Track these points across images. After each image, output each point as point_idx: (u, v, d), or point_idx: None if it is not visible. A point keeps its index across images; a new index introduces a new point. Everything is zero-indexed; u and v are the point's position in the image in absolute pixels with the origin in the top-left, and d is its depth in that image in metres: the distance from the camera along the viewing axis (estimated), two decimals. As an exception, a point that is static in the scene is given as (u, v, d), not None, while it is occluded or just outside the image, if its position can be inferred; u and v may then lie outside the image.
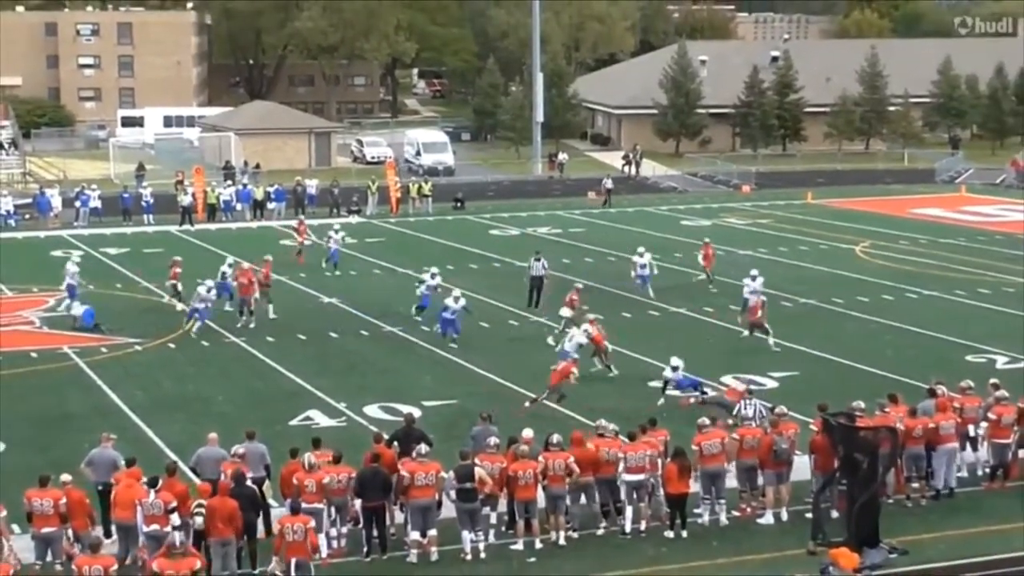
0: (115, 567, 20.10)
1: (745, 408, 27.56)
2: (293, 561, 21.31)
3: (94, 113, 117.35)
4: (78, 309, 42.56)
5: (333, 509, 23.70)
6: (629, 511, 24.67)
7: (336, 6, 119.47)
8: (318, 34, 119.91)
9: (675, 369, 33.09)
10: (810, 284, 48.71)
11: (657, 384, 33.72)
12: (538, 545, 23.91)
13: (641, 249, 48.17)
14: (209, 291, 41.76)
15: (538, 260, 45.65)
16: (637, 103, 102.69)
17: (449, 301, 39.66)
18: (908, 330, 40.96)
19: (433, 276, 43.67)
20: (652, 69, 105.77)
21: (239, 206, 69.08)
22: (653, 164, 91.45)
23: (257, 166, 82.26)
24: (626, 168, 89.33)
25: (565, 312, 39.95)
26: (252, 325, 41.96)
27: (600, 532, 24.63)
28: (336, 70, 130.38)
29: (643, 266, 46.64)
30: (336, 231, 53.50)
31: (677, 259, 54.19)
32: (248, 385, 35.69)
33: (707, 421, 25.81)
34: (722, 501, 25.33)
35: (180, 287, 44.62)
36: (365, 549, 23.70)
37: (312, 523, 21.80)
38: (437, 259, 53.71)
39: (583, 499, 25.01)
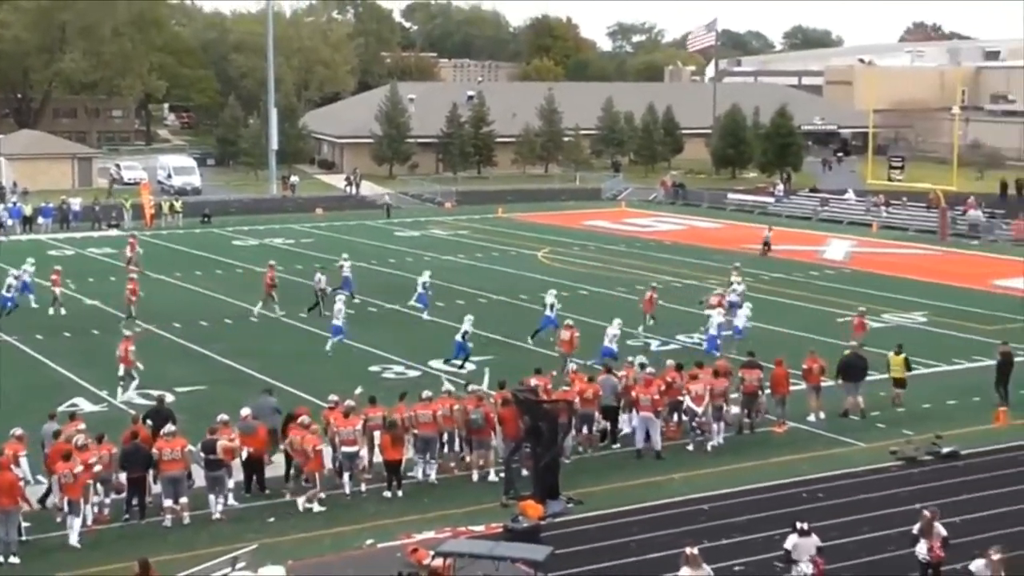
0: None
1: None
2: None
3: None
4: None
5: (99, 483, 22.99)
6: (346, 477, 24.61)
7: (96, 49, 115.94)
8: (80, 73, 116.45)
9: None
10: (502, 283, 49.30)
11: (375, 368, 33.68)
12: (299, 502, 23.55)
13: (345, 255, 48.19)
14: None
15: (323, 272, 44.70)
16: (357, 133, 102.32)
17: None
18: (582, 320, 41.73)
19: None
20: (369, 105, 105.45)
21: (10, 222, 66.55)
22: (371, 184, 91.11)
23: (25, 191, 78.90)
24: (348, 188, 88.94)
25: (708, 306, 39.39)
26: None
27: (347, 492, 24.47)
28: (96, 104, 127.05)
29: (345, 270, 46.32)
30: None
31: (391, 264, 54.24)
32: (20, 377, 34.05)
33: (429, 393, 25.95)
34: (433, 463, 25.39)
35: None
36: (126, 516, 23.01)
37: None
38: (187, 266, 52.60)
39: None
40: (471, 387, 27.59)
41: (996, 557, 17.59)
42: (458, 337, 35.15)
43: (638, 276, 51.40)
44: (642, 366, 28.88)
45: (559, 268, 53.96)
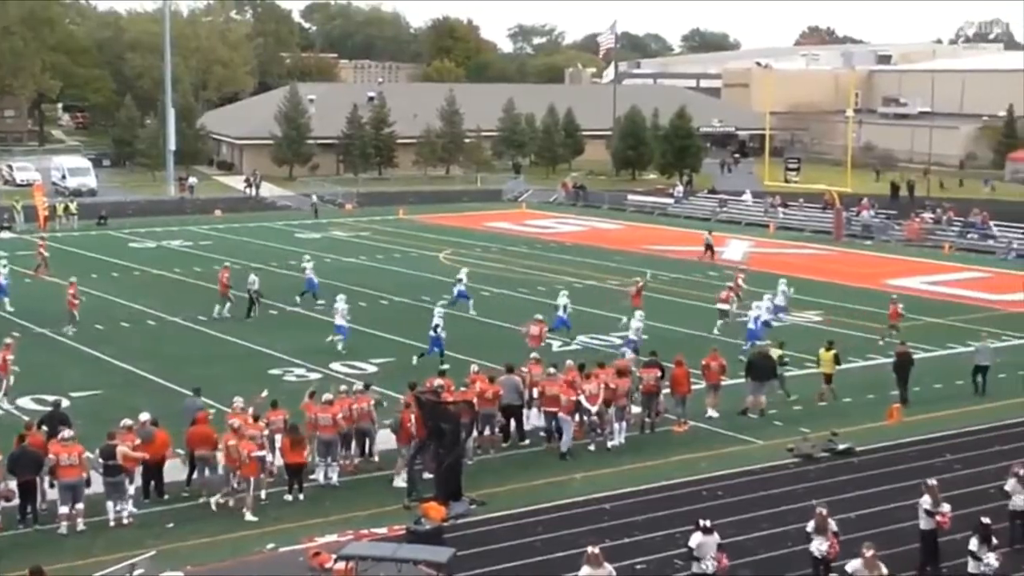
0: None
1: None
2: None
3: None
4: None
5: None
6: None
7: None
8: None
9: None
10: (403, 285, 49.18)
11: (276, 371, 33.47)
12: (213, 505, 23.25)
13: (307, 257, 48.62)
14: None
15: (257, 274, 44.54)
16: (256, 134, 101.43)
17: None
18: (482, 321, 41.85)
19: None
20: (269, 106, 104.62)
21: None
22: (271, 186, 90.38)
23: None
24: (247, 190, 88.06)
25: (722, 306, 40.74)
26: None
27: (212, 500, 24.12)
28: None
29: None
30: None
31: (292, 266, 53.77)
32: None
33: (330, 396, 25.81)
34: (335, 465, 25.30)
35: None
36: (20, 523, 22.55)
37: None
38: (83, 269, 51.64)
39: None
40: (357, 385, 27.54)
41: (869, 554, 18.03)
42: (431, 332, 35.43)
43: (539, 277, 51.66)
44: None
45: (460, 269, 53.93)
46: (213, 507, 23.57)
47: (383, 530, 22.29)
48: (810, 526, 19.56)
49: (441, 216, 75.32)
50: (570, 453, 27.07)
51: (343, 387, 27.52)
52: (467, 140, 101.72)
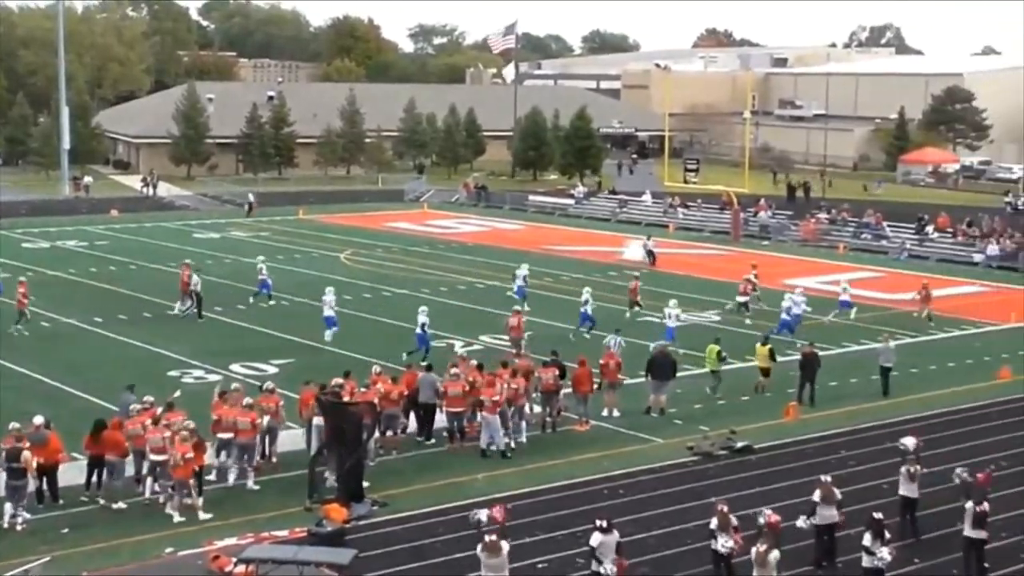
0: None
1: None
2: None
3: None
4: None
5: None
6: (149, 483, 24.05)
7: None
8: None
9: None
10: (304, 286, 48.71)
11: (174, 373, 33.06)
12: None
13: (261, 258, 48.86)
14: None
15: (199, 274, 43.97)
16: (153, 133, 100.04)
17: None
18: (384, 322, 41.69)
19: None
20: (166, 105, 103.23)
21: None
22: (168, 186, 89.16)
23: None
24: (145, 189, 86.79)
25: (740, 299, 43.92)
26: None
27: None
28: None
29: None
30: None
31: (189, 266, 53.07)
32: None
33: (250, 401, 25.57)
34: (250, 470, 25.10)
35: None
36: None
37: None
38: (-27, 270, 50.50)
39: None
40: (267, 385, 27.30)
41: (763, 548, 18.50)
42: (418, 330, 36.10)
43: (441, 278, 51.62)
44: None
45: (362, 270, 53.72)
46: (116, 508, 23.23)
47: (284, 532, 22.11)
48: (713, 523, 19.79)
49: (342, 216, 74.88)
50: (499, 452, 27.16)
51: (234, 385, 27.38)
52: (368, 140, 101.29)
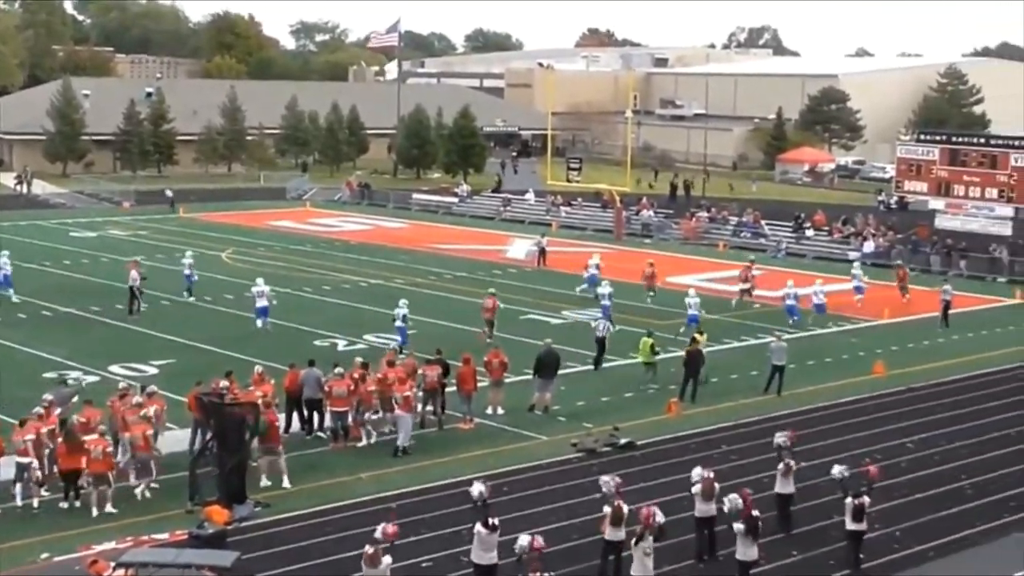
0: None
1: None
2: None
3: None
4: None
5: None
6: (18, 488, 23.51)
7: None
8: None
9: None
10: (181, 284, 47.91)
11: (51, 375, 32.36)
12: None
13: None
14: None
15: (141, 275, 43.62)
16: (27, 130, 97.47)
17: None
18: (271, 323, 41.16)
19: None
20: (41, 100, 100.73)
21: None
22: (43, 183, 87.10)
23: None
24: (19, 187, 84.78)
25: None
26: None
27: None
28: None
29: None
30: None
31: (66, 265, 52.10)
32: None
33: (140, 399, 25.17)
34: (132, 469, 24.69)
35: None
36: None
37: None
38: None
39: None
40: (149, 388, 26.88)
41: (645, 544, 18.92)
42: (398, 322, 36.66)
43: (324, 276, 51.26)
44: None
45: (244, 268, 53.09)
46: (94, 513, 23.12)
47: (164, 535, 21.76)
48: (607, 511, 19.98)
49: (224, 215, 73.95)
50: (404, 450, 27.13)
51: (122, 385, 27.01)
52: (249, 138, 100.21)
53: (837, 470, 21.83)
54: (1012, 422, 31.11)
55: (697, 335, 34.69)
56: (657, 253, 60.90)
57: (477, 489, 19.65)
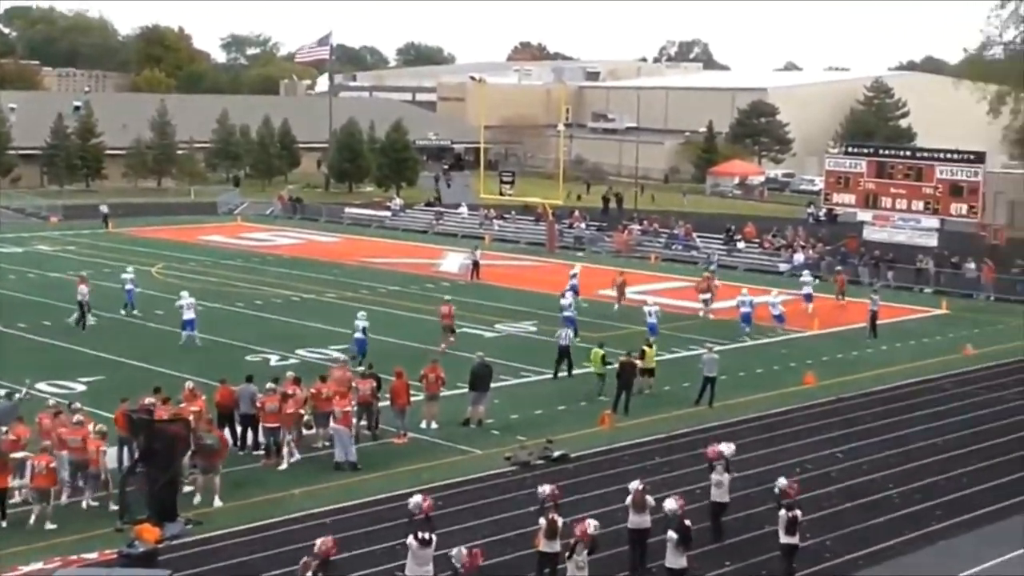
0: None
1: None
2: None
3: None
4: None
5: None
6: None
7: None
8: None
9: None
10: (114, 300, 47.39)
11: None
12: None
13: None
14: None
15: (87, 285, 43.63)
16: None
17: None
18: (202, 338, 40.80)
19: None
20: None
21: None
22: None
23: None
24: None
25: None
26: None
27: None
28: None
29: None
30: None
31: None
32: None
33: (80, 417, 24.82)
34: (87, 490, 24.49)
35: None
36: None
37: None
38: None
39: None
40: (74, 406, 26.60)
41: (579, 557, 19.02)
42: (357, 334, 36.97)
43: (257, 291, 50.94)
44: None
45: (174, 283, 52.53)
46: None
47: (93, 555, 21.48)
48: (542, 525, 20.05)
49: (154, 229, 73.26)
50: (355, 464, 27.02)
51: (51, 402, 26.70)
52: (180, 152, 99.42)
53: (782, 483, 21.84)
54: (938, 431, 31.58)
55: (646, 347, 34.90)
56: (590, 266, 61.07)
57: (414, 501, 19.60)
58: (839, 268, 56.65)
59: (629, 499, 21.46)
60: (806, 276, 51.41)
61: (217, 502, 24.57)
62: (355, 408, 28.85)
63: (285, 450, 27.45)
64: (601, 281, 54.32)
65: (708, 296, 48.15)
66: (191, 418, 25.75)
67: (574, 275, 49.97)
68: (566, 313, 41.68)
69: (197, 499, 24.59)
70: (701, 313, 47.51)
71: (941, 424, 32.34)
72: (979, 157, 63.04)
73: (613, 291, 48.86)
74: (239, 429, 28.40)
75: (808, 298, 49.34)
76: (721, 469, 23.11)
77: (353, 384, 29.39)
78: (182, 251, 63.91)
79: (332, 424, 27.46)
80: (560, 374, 36.19)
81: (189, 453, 25.06)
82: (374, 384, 29.54)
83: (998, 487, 26.79)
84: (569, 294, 43.84)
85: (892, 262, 58.99)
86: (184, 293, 41.32)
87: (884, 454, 29.30)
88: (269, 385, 28.07)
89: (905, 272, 57.99)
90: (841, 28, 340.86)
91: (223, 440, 25.70)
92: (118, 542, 21.83)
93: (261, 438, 27.96)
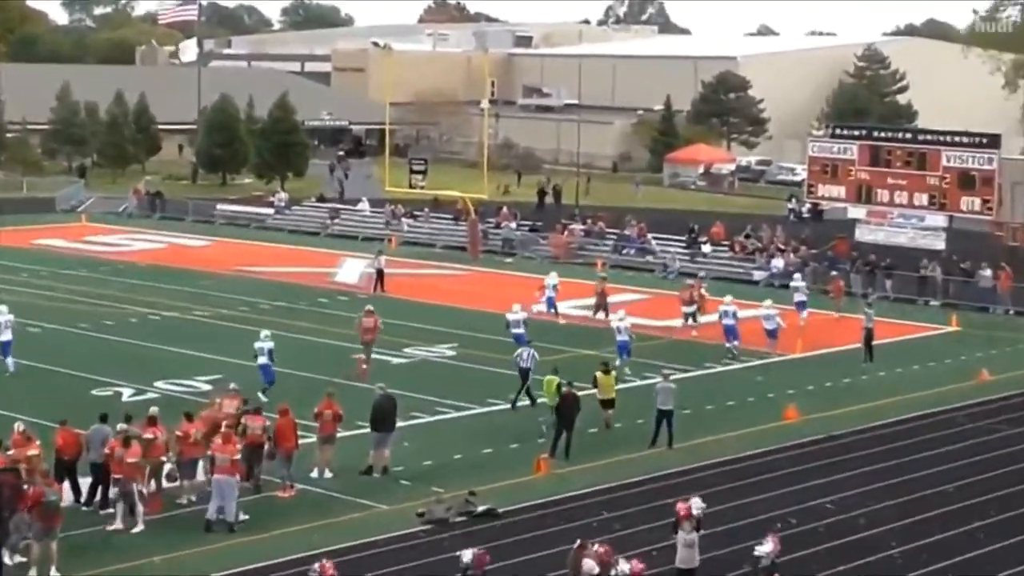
0: None
1: None
2: None
3: None
4: None
5: None
6: None
7: None
8: None
9: None
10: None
11: None
12: None
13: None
14: None
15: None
16: None
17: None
18: (35, 367, 40.19)
19: None
20: None
21: None
22: None
23: None
24: None
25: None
26: None
27: None
28: None
29: None
30: None
31: None
32: None
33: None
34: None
35: None
36: None
37: None
38: None
39: None
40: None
41: None
42: (262, 359, 36.90)
43: (106, 309, 50.33)
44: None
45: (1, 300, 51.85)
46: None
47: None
48: None
49: (-25, 232, 72.34)
50: (227, 524, 26.79)
51: None
52: (10, 135, 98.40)
53: (764, 551, 21.77)
54: (948, 476, 31.74)
55: (601, 372, 34.81)
56: (521, 275, 61.00)
57: (467, 556, 20.54)
58: (834, 272, 56.91)
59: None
60: (797, 280, 51.68)
61: (54, 572, 24.09)
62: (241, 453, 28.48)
63: (139, 508, 26.98)
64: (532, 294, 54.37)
65: (693, 309, 48.26)
66: (22, 467, 25.29)
67: (554, 286, 50.72)
68: (515, 330, 41.56)
69: (32, 573, 24.07)
70: (693, 333, 47.78)
71: (952, 467, 32.54)
72: (993, 141, 63.77)
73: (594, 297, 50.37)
74: (88, 481, 27.90)
75: (801, 306, 49.63)
76: (689, 527, 23.01)
77: (243, 421, 28.98)
78: (11, 259, 63.07)
79: (216, 475, 27.02)
80: (521, 402, 36.41)
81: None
82: (264, 422, 29.19)
83: (1022, 544, 26.95)
84: (517, 307, 43.61)
85: (890, 269, 59.37)
86: (2, 308, 40.65)
87: (883, 504, 29.41)
88: (120, 425, 27.64)
89: (907, 281, 58.40)
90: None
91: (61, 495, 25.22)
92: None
93: (112, 493, 27.49)
